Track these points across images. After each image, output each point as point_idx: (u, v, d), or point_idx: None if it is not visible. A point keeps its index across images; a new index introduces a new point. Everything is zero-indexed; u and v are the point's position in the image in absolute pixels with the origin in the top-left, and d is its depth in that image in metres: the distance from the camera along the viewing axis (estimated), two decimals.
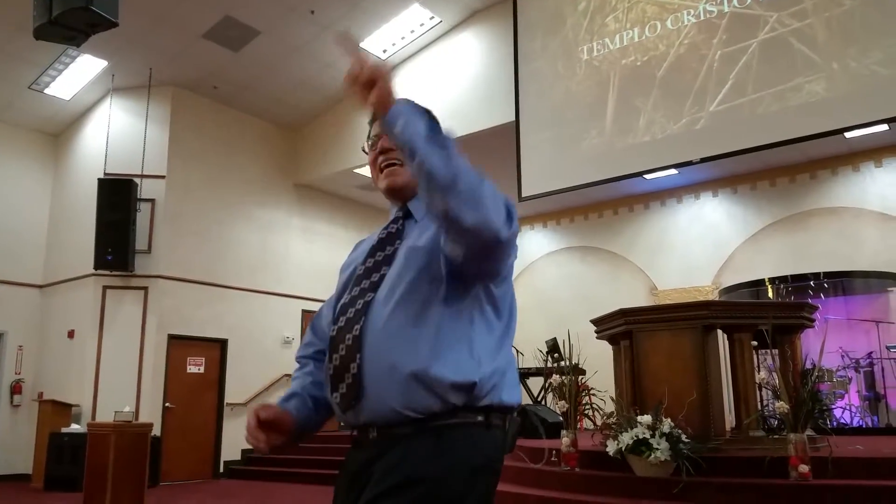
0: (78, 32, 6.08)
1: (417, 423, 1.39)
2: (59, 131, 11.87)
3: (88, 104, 11.25)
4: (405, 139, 1.30)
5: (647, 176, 10.13)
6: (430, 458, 1.37)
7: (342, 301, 1.54)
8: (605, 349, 6.59)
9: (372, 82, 1.32)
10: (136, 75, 10.52)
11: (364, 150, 1.67)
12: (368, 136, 1.66)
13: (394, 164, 1.58)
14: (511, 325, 1.56)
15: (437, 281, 1.43)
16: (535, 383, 10.26)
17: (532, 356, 9.88)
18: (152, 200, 10.51)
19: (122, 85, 10.72)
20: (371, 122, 1.64)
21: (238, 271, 11.44)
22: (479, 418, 1.42)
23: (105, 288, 10.32)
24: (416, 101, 1.38)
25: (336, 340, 1.47)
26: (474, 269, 1.40)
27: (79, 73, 10.40)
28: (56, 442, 9.22)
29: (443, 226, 1.34)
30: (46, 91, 10.70)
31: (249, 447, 11.29)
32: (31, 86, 10.52)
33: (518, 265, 13.56)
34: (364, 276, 1.53)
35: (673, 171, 10.18)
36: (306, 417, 1.60)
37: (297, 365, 1.74)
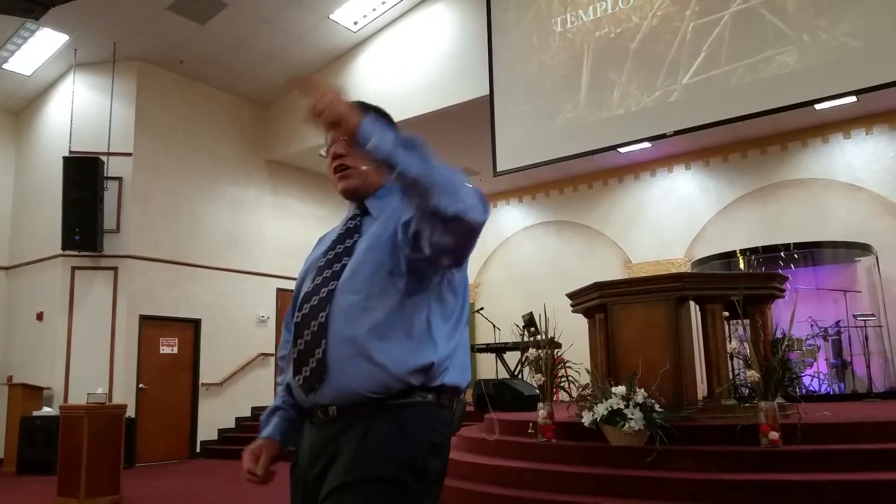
0: (37, 5, 5.90)
1: (377, 402, 1.46)
2: (20, 108, 11.56)
3: (51, 80, 10.95)
4: (382, 155, 1.37)
5: (621, 149, 10.14)
6: (393, 436, 1.44)
7: (305, 289, 1.61)
8: (581, 322, 6.63)
9: (336, 120, 1.37)
10: (100, 50, 10.25)
11: (322, 155, 1.80)
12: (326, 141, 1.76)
13: (346, 168, 1.68)
14: (466, 307, 1.66)
15: (396, 271, 1.52)
16: (512, 357, 10.32)
17: (509, 331, 9.93)
18: (119, 178, 10.30)
19: (85, 60, 10.44)
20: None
21: (210, 250, 11.29)
22: (431, 398, 1.50)
23: (73, 269, 10.13)
24: (376, 114, 1.52)
25: (301, 326, 1.55)
26: (456, 255, 1.48)
27: (39, 47, 10.10)
28: (28, 426, 9.09)
29: (428, 222, 1.40)
30: (5, 66, 10.39)
31: (226, 426, 11.24)
32: None
33: (494, 240, 13.71)
34: (326, 267, 1.60)
35: (647, 145, 10.20)
36: (292, 430, 1.68)
37: (280, 364, 1.80)
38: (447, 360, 1.52)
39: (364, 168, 1.66)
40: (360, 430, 1.44)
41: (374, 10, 10.54)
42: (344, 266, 1.57)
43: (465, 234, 1.40)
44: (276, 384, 1.76)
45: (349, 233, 1.66)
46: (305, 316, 1.54)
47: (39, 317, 10.42)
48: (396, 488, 1.38)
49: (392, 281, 1.51)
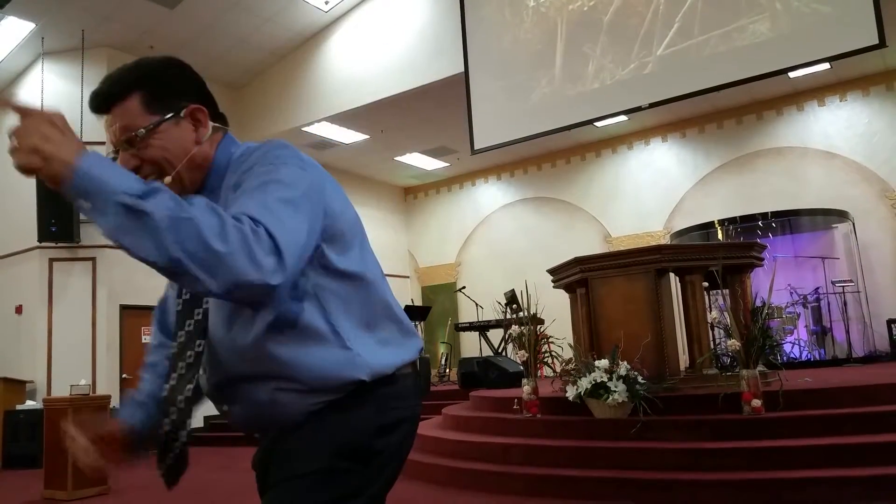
0: None
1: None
2: None
3: (18, 69, 10.72)
4: (102, 226, 1.07)
5: (598, 123, 10.13)
6: (325, 430, 1.27)
7: (174, 349, 1.34)
8: (563, 298, 6.66)
9: (29, 166, 1.04)
10: (68, 37, 10.04)
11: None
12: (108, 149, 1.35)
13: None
14: (369, 271, 1.32)
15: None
16: (496, 335, 10.37)
17: (491, 308, 9.96)
18: None
19: (53, 48, 10.22)
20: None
21: None
22: (371, 389, 1.28)
23: (51, 260, 10.00)
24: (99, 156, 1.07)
25: (167, 401, 1.35)
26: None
27: (5, 36, 9.87)
28: (12, 420, 9.02)
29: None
30: None
31: (211, 414, 11.20)
32: None
33: (473, 219, 13.69)
34: (184, 316, 1.35)
35: (623, 118, 10.20)
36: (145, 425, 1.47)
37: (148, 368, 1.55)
38: (383, 352, 1.30)
39: (168, 179, 1.29)
40: (294, 433, 1.30)
41: None
42: (205, 314, 1.31)
43: (254, 297, 1.08)
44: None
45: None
46: (174, 388, 1.34)
47: (18, 310, 10.29)
48: (328, 476, 1.24)
49: (263, 318, 1.23)
